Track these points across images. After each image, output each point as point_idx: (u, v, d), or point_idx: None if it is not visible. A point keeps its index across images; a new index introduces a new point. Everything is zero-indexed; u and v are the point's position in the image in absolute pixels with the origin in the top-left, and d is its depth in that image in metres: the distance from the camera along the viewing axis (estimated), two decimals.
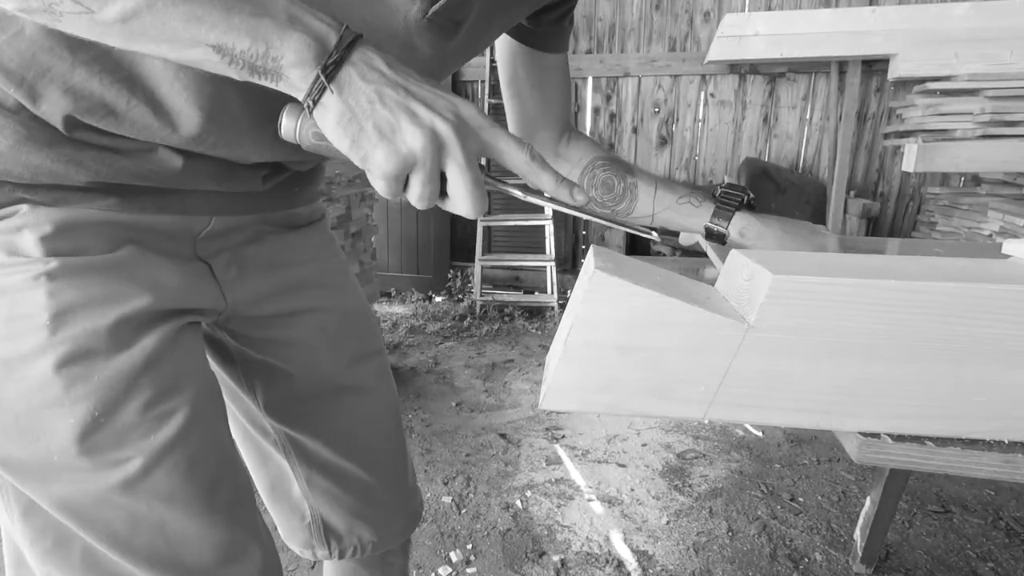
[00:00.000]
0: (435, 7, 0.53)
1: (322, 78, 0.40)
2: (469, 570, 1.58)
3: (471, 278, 3.98)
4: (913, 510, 1.81)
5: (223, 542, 0.56)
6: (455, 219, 4.16)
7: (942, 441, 0.50)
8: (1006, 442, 0.50)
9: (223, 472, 0.57)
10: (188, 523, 0.54)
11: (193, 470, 0.54)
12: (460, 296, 4.05)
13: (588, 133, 3.99)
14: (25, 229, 0.49)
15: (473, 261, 3.83)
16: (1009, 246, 0.61)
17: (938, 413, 0.49)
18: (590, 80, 3.90)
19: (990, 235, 2.66)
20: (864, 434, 0.50)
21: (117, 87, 0.47)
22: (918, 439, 0.50)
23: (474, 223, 3.83)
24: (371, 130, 0.41)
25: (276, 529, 0.89)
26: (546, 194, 0.48)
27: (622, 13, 3.78)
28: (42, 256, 0.49)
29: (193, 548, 0.54)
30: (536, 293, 3.87)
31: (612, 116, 3.95)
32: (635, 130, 3.93)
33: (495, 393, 2.67)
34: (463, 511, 1.81)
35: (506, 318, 3.72)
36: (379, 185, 0.43)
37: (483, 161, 0.47)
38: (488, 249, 3.86)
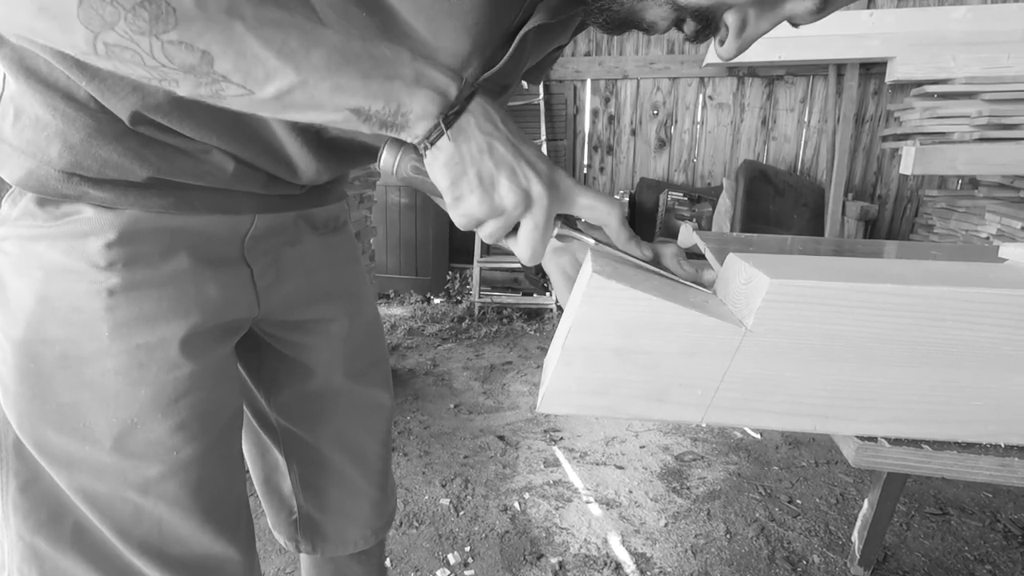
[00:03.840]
0: (486, 74, 0.57)
1: (442, 125, 0.44)
2: (467, 572, 1.57)
3: (470, 280, 3.98)
4: (911, 512, 1.81)
5: (208, 548, 0.62)
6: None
7: (939, 445, 0.50)
8: (1002, 446, 0.50)
9: (226, 491, 0.64)
10: (183, 526, 0.60)
11: (201, 486, 0.60)
12: (459, 298, 4.05)
13: (587, 135, 4.00)
14: (91, 236, 0.53)
15: (472, 263, 3.83)
16: (1006, 250, 0.62)
17: (935, 417, 0.49)
18: (588, 82, 3.91)
19: (987, 237, 2.66)
20: (861, 438, 0.50)
21: None
22: (915, 443, 0.50)
23: None
24: (473, 176, 0.46)
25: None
26: (619, 247, 0.53)
27: None
28: (105, 265, 0.53)
29: (181, 546, 0.61)
30: (535, 295, 3.87)
31: (611, 118, 3.95)
32: (634, 132, 3.94)
33: (493, 395, 2.67)
34: (461, 513, 1.81)
35: (504, 320, 3.72)
36: (459, 221, 0.48)
37: None
38: (486, 251, 3.87)
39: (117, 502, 0.57)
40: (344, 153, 0.62)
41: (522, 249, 0.49)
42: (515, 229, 0.49)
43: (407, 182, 0.50)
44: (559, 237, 0.53)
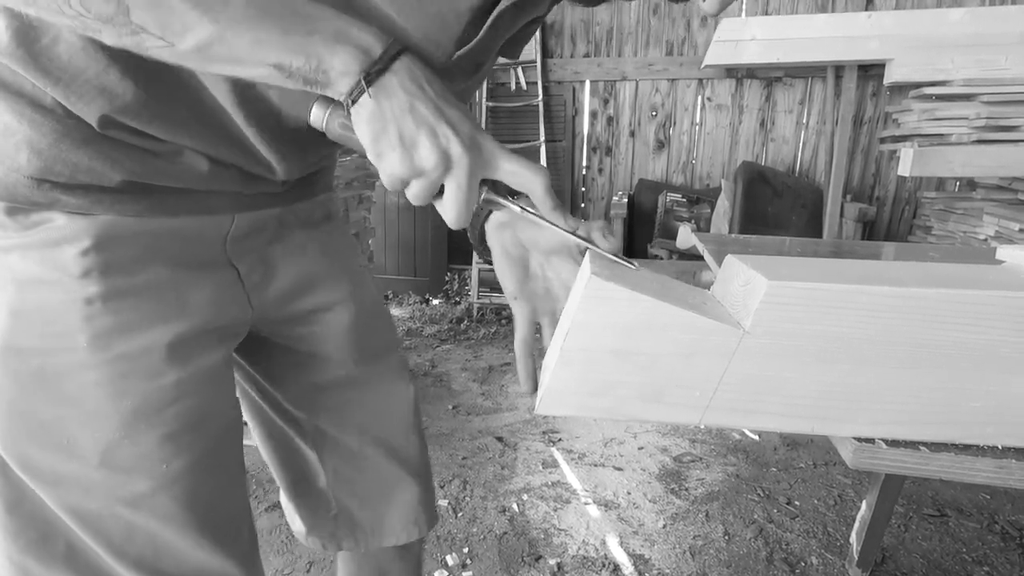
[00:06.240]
0: (460, 52, 0.56)
1: (363, 83, 0.44)
2: (465, 574, 1.57)
3: (468, 281, 3.98)
4: (909, 514, 1.81)
5: (205, 563, 0.60)
6: None
7: (936, 446, 0.50)
8: (1000, 447, 0.50)
9: (222, 502, 0.63)
10: (178, 541, 0.58)
11: (195, 499, 0.58)
12: (457, 299, 4.05)
13: (586, 136, 4.00)
14: (65, 244, 0.51)
15: (470, 264, 3.83)
16: (1003, 252, 0.62)
17: (932, 418, 0.49)
18: (588, 84, 3.91)
19: (985, 239, 2.67)
20: (859, 439, 0.50)
21: (150, 87, 0.50)
22: (912, 444, 0.50)
23: None
24: (393, 135, 0.45)
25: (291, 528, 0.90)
26: (544, 216, 0.52)
27: (620, 17, 3.79)
28: (81, 274, 0.51)
29: (177, 561, 0.59)
30: None
31: (609, 119, 3.96)
32: (632, 133, 3.94)
33: (492, 396, 2.67)
34: (459, 515, 1.81)
35: (503, 321, 3.72)
36: (384, 180, 0.48)
37: None
38: None
39: (108, 519, 0.56)
40: (305, 143, 0.61)
41: (447, 211, 0.49)
42: (442, 192, 0.49)
43: (338, 139, 0.50)
44: (485, 202, 0.53)
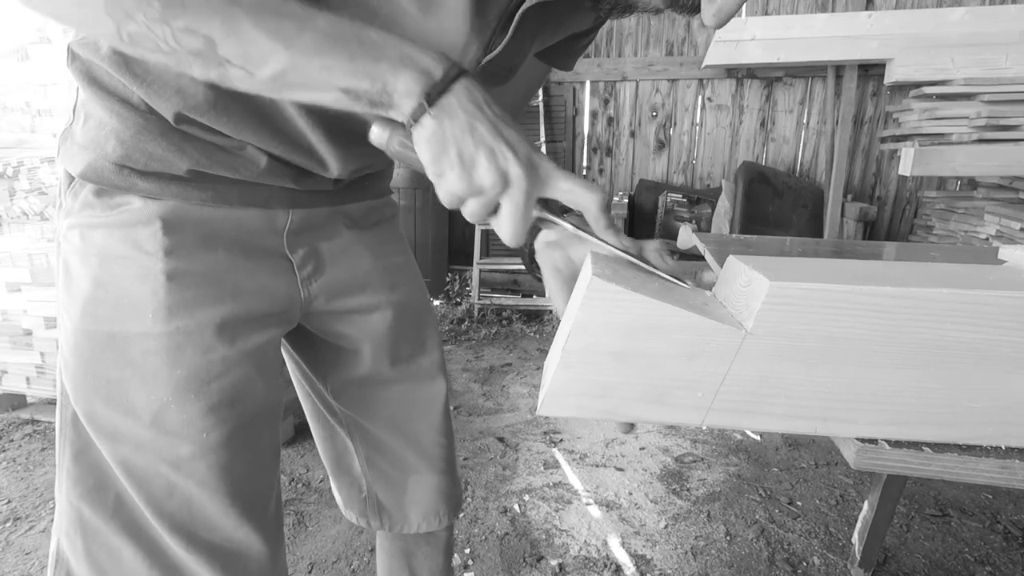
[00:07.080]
0: (489, 56, 0.58)
1: (424, 104, 0.46)
2: (467, 574, 1.57)
3: (469, 281, 3.98)
4: (911, 514, 1.81)
5: (232, 533, 0.65)
6: (453, 223, 4.17)
7: (939, 447, 0.50)
8: (1003, 448, 0.50)
9: (253, 478, 0.67)
10: (210, 506, 0.63)
11: (228, 469, 0.63)
12: (458, 300, 4.06)
13: (586, 137, 4.01)
14: (139, 225, 0.59)
15: (471, 264, 3.83)
16: (1005, 252, 0.62)
17: (935, 419, 0.49)
18: (588, 84, 3.92)
19: (986, 238, 2.67)
20: (862, 440, 0.50)
21: (219, 89, 0.56)
22: (915, 445, 0.50)
23: (472, 227, 3.84)
24: (453, 155, 0.47)
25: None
26: (598, 235, 0.53)
27: None
28: (151, 252, 0.59)
29: (207, 528, 0.63)
30: (534, 297, 3.87)
31: (610, 120, 3.96)
32: (633, 134, 3.94)
33: (493, 397, 2.67)
34: (460, 515, 1.81)
35: (504, 322, 3.72)
36: (443, 198, 0.50)
37: None
38: (486, 252, 3.87)
39: (152, 476, 0.61)
40: (364, 144, 0.63)
41: (503, 229, 0.50)
42: (498, 210, 0.50)
43: (396, 157, 0.52)
44: (538, 220, 0.53)
